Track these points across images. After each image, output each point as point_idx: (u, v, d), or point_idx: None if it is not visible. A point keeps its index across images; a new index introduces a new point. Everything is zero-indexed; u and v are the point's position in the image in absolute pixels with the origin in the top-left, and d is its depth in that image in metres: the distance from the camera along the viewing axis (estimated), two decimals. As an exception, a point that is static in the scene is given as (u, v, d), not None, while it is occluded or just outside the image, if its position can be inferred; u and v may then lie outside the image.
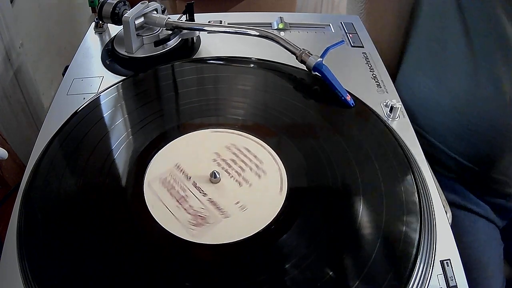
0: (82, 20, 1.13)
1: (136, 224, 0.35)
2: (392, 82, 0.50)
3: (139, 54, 0.52)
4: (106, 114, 0.45)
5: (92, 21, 0.59)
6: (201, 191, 0.38)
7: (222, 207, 0.37)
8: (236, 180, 0.39)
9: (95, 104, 0.46)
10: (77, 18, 1.10)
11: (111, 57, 0.53)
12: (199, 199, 0.37)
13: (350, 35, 0.59)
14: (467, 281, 0.33)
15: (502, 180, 0.57)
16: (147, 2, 0.52)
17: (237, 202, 0.37)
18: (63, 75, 0.52)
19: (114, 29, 0.58)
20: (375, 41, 0.58)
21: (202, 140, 0.43)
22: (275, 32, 0.52)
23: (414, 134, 0.44)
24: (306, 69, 0.48)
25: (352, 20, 0.62)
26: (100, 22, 0.58)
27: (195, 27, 0.53)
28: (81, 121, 0.44)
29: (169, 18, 0.52)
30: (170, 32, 0.53)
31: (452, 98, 0.56)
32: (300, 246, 0.33)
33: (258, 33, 0.51)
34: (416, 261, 0.32)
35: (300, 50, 0.48)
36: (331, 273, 0.32)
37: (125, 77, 0.50)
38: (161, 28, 0.53)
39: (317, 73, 0.48)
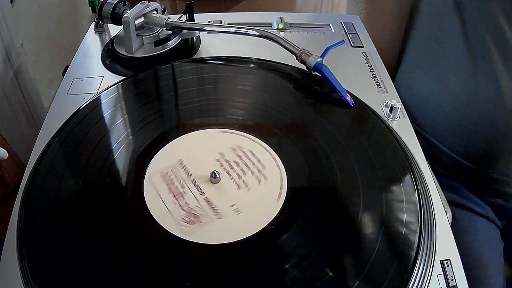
0: (82, 20, 1.13)
1: (136, 224, 0.35)
2: (392, 82, 0.50)
3: (139, 54, 0.52)
4: (106, 114, 0.45)
5: (92, 21, 0.59)
6: (199, 190, 0.38)
7: (217, 207, 0.36)
8: (236, 183, 0.39)
9: (95, 104, 0.46)
10: (77, 18, 1.10)
11: (111, 57, 0.53)
12: (196, 197, 0.37)
13: (350, 35, 0.59)
14: (467, 281, 0.33)
15: (501, 180, 0.57)
16: (147, 2, 0.52)
17: (233, 205, 0.37)
18: (63, 75, 0.52)
19: (114, 29, 0.58)
20: (375, 41, 0.58)
21: (210, 138, 0.43)
22: (275, 32, 0.52)
23: (414, 134, 0.44)
24: (306, 69, 0.48)
25: (352, 20, 0.62)
26: (100, 22, 0.58)
27: (195, 27, 0.53)
28: (81, 121, 0.44)
29: (169, 18, 0.52)
30: (170, 32, 0.53)
31: (452, 98, 0.56)
32: (300, 246, 0.33)
33: (258, 33, 0.51)
34: (416, 261, 0.32)
35: (300, 50, 0.48)
36: (331, 273, 0.32)
37: (125, 77, 0.50)
38: (161, 28, 0.53)
39: (317, 73, 0.48)
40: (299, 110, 0.46)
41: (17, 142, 0.67)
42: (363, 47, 0.57)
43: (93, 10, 1.13)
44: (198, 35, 0.57)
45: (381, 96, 0.48)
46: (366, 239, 0.34)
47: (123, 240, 0.34)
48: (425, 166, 0.41)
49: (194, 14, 0.55)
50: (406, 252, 0.33)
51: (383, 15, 0.67)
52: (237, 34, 0.53)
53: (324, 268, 0.32)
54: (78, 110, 0.45)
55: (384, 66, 0.53)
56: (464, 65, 0.53)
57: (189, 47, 0.56)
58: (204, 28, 0.53)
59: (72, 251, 0.33)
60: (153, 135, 0.42)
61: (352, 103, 0.46)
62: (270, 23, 0.61)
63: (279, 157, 0.41)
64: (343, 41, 0.53)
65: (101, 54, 0.54)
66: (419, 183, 0.38)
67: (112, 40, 0.55)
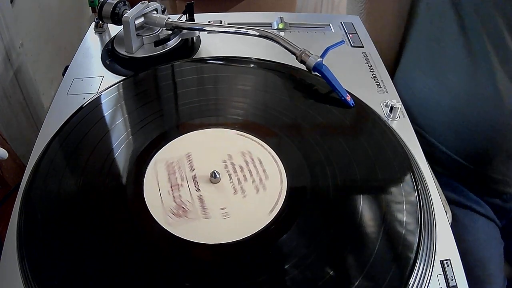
0: (82, 20, 1.13)
1: (136, 224, 0.35)
2: (392, 82, 0.50)
3: (139, 54, 0.52)
4: (106, 114, 0.45)
5: (92, 21, 0.59)
6: (197, 186, 0.38)
7: (207, 207, 0.36)
8: (234, 187, 0.38)
9: (95, 104, 0.46)
10: (77, 18, 1.10)
11: (111, 57, 0.53)
12: (190, 193, 0.37)
13: (350, 35, 0.59)
14: (467, 281, 0.33)
15: (501, 180, 0.57)
16: (147, 2, 0.52)
17: (223, 208, 0.36)
18: (63, 75, 0.52)
19: (114, 29, 0.58)
20: (375, 41, 0.58)
21: (225, 138, 0.43)
22: (275, 32, 0.52)
23: (414, 134, 0.44)
24: (306, 69, 0.48)
25: (352, 20, 0.62)
26: (100, 22, 0.58)
27: (195, 27, 0.53)
28: (81, 121, 0.44)
29: (169, 18, 0.52)
30: (170, 32, 0.53)
31: (451, 98, 0.56)
32: (300, 246, 0.33)
33: (258, 33, 0.51)
34: (416, 261, 0.32)
35: (300, 50, 0.48)
36: (331, 273, 0.32)
37: (125, 77, 0.50)
38: (161, 28, 0.53)
39: (317, 73, 0.48)
40: (299, 110, 0.46)
41: (17, 142, 0.67)
42: (363, 47, 0.57)
43: (93, 10, 1.13)
44: (198, 35, 0.57)
45: (381, 96, 0.48)
46: (366, 239, 0.34)
47: (123, 240, 0.34)
48: (425, 166, 0.41)
49: (194, 14, 0.55)
50: (406, 252, 0.33)
51: (383, 15, 0.67)
52: (237, 34, 0.53)
53: (324, 268, 0.32)
54: (78, 110, 0.45)
55: (384, 66, 0.53)
56: (463, 65, 0.53)
57: (189, 47, 0.56)
58: (204, 28, 0.53)
59: (72, 251, 0.33)
60: (153, 135, 0.42)
61: (352, 103, 0.46)
62: (270, 23, 0.61)
63: (284, 167, 0.40)
64: (343, 41, 0.53)
65: (101, 54, 0.54)
66: (419, 183, 0.38)
67: (112, 40, 0.55)
